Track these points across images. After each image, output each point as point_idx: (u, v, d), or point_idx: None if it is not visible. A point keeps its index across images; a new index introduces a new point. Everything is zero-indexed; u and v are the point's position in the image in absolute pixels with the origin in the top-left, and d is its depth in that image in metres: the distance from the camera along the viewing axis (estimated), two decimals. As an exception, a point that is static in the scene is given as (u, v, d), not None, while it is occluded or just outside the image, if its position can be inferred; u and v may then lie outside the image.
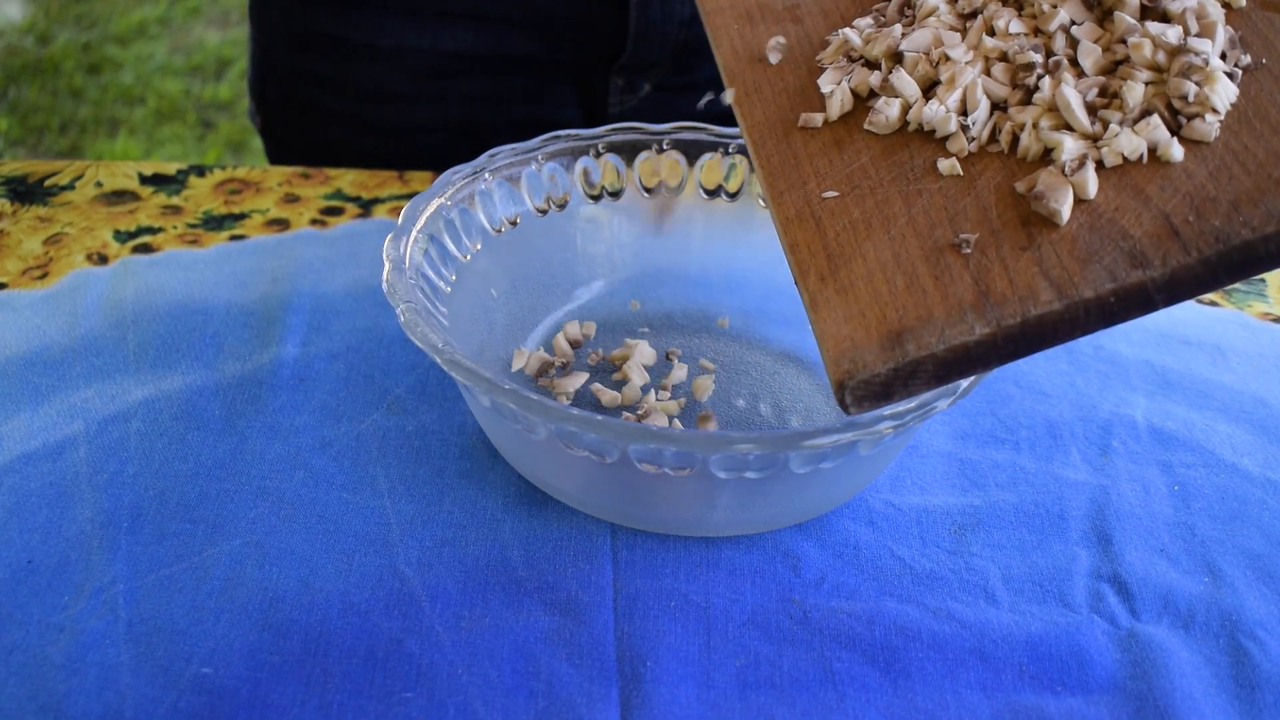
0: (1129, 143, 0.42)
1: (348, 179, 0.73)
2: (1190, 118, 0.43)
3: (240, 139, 2.20)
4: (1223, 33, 0.44)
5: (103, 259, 0.66)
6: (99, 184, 0.72)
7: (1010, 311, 0.40)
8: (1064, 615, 0.49)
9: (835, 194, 0.47)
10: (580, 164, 0.60)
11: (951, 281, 0.42)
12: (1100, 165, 0.43)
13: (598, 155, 0.60)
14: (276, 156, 0.92)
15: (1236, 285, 0.69)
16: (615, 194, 0.61)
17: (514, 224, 0.59)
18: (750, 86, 0.52)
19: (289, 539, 0.50)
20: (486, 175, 0.58)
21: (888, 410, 0.45)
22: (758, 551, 0.51)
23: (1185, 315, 0.66)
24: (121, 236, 0.68)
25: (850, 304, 0.43)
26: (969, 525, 0.53)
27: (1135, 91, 0.44)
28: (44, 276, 0.64)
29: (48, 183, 0.72)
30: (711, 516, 0.49)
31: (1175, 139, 0.42)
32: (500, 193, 0.58)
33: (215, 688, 0.44)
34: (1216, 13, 0.45)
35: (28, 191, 0.71)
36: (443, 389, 0.58)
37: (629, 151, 0.61)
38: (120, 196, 0.71)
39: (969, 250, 0.42)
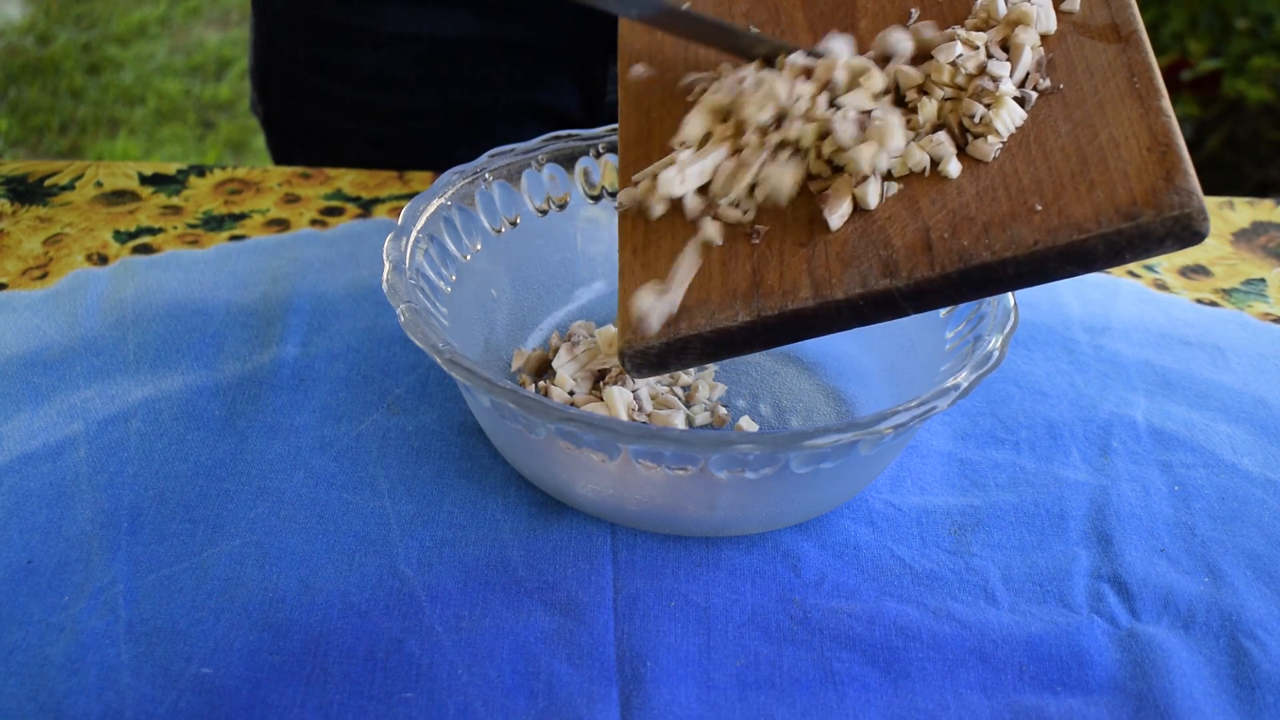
0: (914, 155, 0.45)
1: (348, 179, 0.73)
2: (975, 136, 0.45)
3: (240, 139, 2.20)
4: (1029, 55, 0.46)
5: (103, 259, 0.66)
6: (99, 184, 0.72)
7: (771, 304, 0.44)
8: (1064, 615, 0.49)
9: None
10: (580, 164, 0.60)
11: (735, 269, 0.46)
12: (889, 174, 0.45)
13: (598, 155, 0.60)
14: (278, 146, 0.92)
15: (1236, 285, 0.69)
16: (615, 194, 0.61)
17: (514, 224, 0.59)
18: (638, 56, 0.54)
19: (289, 539, 0.50)
20: (486, 175, 0.58)
21: (888, 411, 0.45)
22: (758, 551, 0.51)
23: (1185, 315, 0.66)
24: (121, 237, 0.68)
25: (648, 279, 0.47)
26: (969, 525, 0.52)
27: (928, 107, 0.46)
28: (44, 276, 0.64)
29: (48, 183, 0.72)
30: (711, 516, 0.49)
31: (956, 156, 0.45)
32: (500, 193, 0.58)
33: (215, 688, 0.44)
34: (1029, 38, 0.46)
35: (28, 191, 0.71)
36: (443, 389, 0.58)
37: (629, 151, 0.61)
38: (120, 196, 0.71)
39: (757, 240, 0.46)
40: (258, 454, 0.54)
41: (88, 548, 0.49)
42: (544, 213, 0.60)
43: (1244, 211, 0.75)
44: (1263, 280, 0.69)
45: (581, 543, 0.51)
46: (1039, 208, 0.42)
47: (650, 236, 0.48)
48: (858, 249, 0.44)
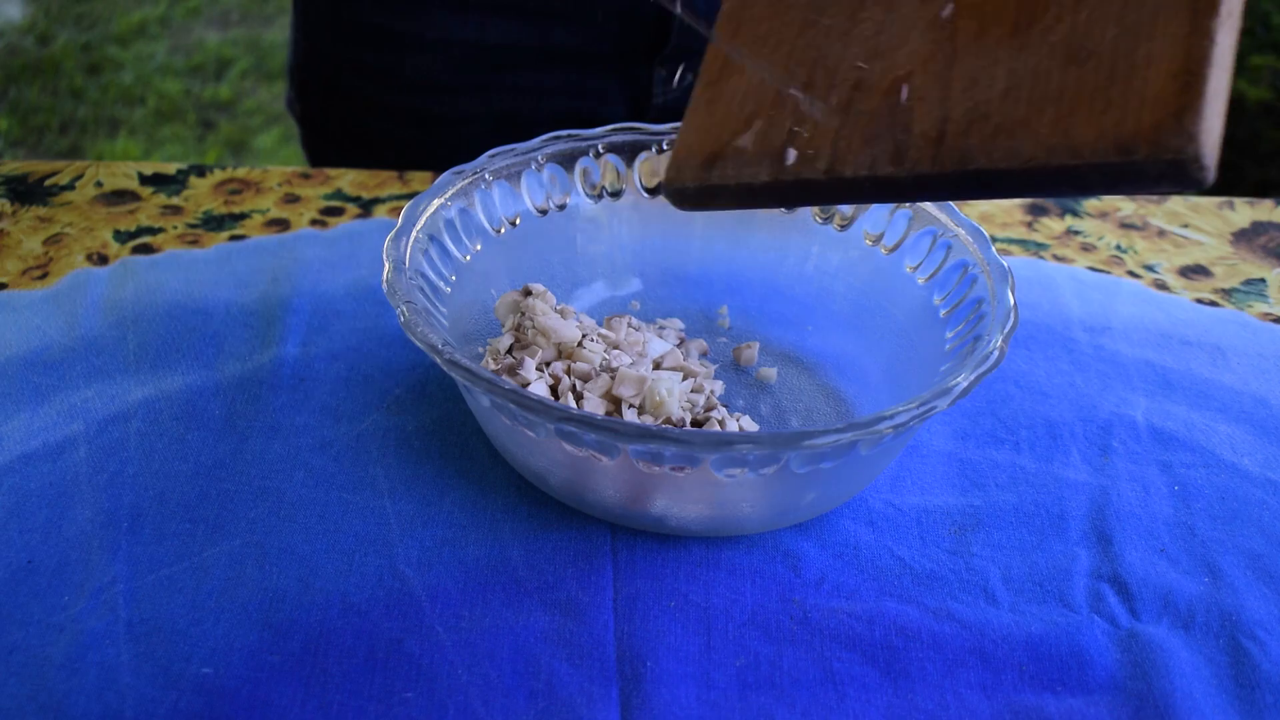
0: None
1: (348, 179, 0.73)
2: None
3: (240, 139, 2.20)
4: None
5: (103, 259, 0.66)
6: (99, 184, 0.72)
7: (791, 170, 0.45)
8: (1064, 615, 0.49)
9: None
10: (580, 164, 0.60)
11: (777, 124, 0.47)
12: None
13: (598, 155, 0.60)
14: (314, 146, 0.92)
15: (1236, 285, 0.69)
16: (615, 194, 0.61)
17: (514, 224, 0.59)
18: None
19: (289, 539, 0.50)
20: (486, 175, 0.58)
21: (888, 411, 0.45)
22: (758, 551, 0.51)
23: (1185, 315, 0.66)
24: (121, 236, 0.68)
25: (708, 116, 0.49)
26: (969, 525, 0.53)
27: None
28: (44, 276, 0.64)
29: (48, 183, 0.72)
30: (712, 516, 0.49)
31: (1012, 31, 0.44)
32: (500, 193, 0.58)
33: (215, 688, 0.44)
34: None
35: (28, 191, 0.71)
36: (443, 389, 0.58)
37: (629, 152, 0.61)
38: (120, 196, 0.71)
39: (803, 96, 0.47)
40: (258, 454, 0.54)
41: (88, 548, 0.49)
42: (544, 213, 0.60)
43: (1244, 211, 0.75)
44: (1263, 280, 0.69)
45: (581, 543, 0.51)
46: (1049, 120, 0.41)
47: (725, 71, 0.49)
48: (880, 128, 0.44)
